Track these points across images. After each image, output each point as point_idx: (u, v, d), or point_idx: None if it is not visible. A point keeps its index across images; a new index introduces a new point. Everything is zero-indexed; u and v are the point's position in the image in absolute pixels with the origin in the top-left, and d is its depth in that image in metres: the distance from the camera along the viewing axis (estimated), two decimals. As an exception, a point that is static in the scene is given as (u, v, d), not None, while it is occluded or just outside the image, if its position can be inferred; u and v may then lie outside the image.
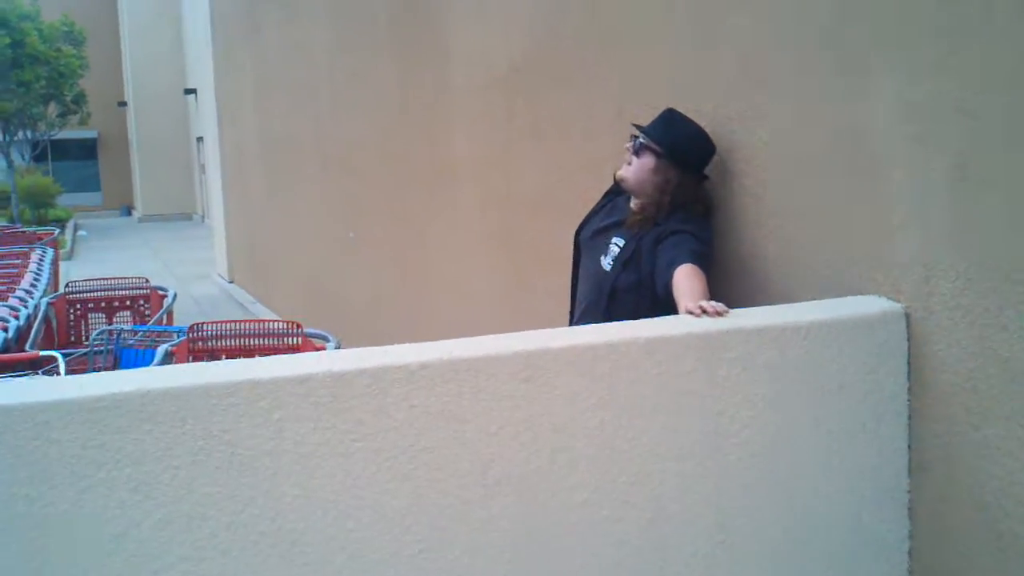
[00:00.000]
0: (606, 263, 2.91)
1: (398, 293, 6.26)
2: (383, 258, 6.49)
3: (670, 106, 2.95)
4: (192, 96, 24.04)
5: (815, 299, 2.48)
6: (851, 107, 2.43)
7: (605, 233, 3.00)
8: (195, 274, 14.95)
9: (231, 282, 12.86)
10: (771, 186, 2.74)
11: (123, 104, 30.63)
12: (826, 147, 2.52)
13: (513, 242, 4.52)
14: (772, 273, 2.74)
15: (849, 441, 2.28)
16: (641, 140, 2.89)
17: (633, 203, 2.93)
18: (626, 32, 3.45)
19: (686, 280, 2.53)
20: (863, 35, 2.38)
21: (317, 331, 3.96)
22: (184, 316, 11.16)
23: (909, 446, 2.33)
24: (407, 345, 2.05)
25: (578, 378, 2.08)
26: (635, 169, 2.89)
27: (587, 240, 3.11)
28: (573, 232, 3.29)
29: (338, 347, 3.74)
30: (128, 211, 32.39)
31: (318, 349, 3.78)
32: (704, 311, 2.25)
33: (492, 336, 2.15)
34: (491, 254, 4.79)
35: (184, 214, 29.14)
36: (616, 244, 2.91)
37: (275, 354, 4.06)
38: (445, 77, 5.10)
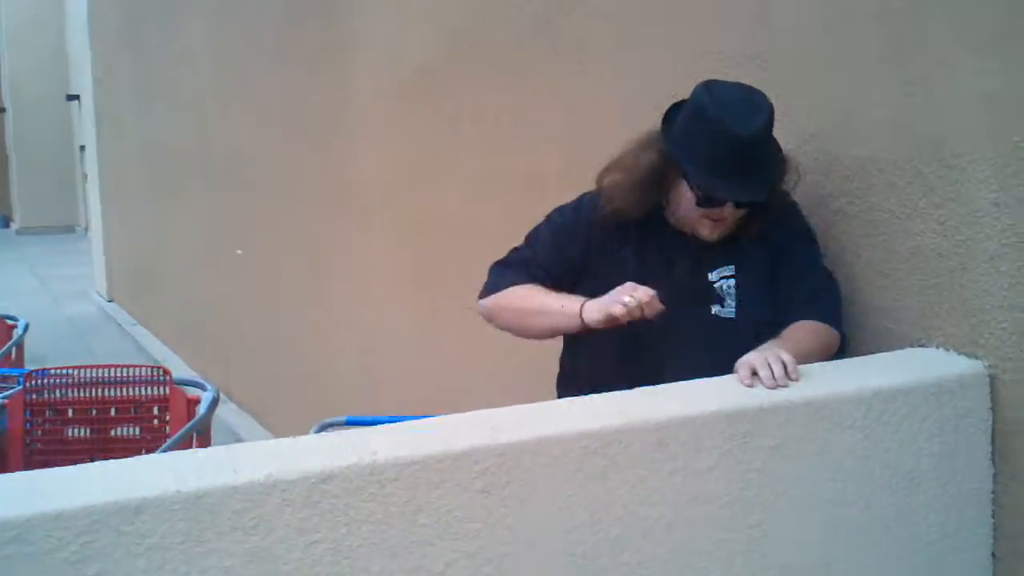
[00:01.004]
0: (725, 310, 1.96)
1: (293, 326, 5.50)
2: (276, 286, 5.72)
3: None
4: (76, 102, 22.69)
5: (862, 353, 1.86)
6: (919, 105, 1.83)
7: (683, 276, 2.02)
8: (73, 291, 13.81)
9: (110, 300, 11.84)
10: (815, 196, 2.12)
11: (1, 110, 28.89)
12: (887, 151, 1.91)
13: (430, 275, 3.83)
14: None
15: (926, 552, 1.66)
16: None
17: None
18: (579, 11, 2.81)
19: (793, 332, 1.84)
20: (940, 26, 1.79)
21: (190, 378, 3.21)
22: (56, 340, 10.18)
23: (994, 554, 1.72)
24: (302, 440, 1.37)
25: (561, 484, 1.42)
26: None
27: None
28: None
29: (215, 399, 3.01)
30: (6, 222, 30.56)
31: (190, 401, 3.04)
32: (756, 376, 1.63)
33: (432, 420, 1.48)
34: (402, 288, 4.09)
35: (66, 226, 27.54)
36: (726, 280, 1.98)
37: (136, 407, 3.38)
38: (346, 81, 4.39)
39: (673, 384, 1.63)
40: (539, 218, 2.97)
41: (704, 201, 1.89)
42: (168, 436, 2.99)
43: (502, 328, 2.12)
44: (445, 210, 3.65)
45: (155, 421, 3.08)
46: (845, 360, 1.80)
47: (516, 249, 2.17)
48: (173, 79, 7.69)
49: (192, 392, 3.09)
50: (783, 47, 2.11)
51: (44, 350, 9.69)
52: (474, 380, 3.61)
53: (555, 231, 2.15)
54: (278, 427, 5.90)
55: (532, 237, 2.18)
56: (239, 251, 6.37)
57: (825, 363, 1.76)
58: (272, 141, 5.53)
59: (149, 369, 3.17)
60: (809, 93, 2.06)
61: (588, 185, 2.13)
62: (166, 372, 3.13)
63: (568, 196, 2.64)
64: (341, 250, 4.66)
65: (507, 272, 2.12)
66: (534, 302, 2.02)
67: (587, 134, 2.81)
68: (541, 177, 3.02)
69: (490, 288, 2.11)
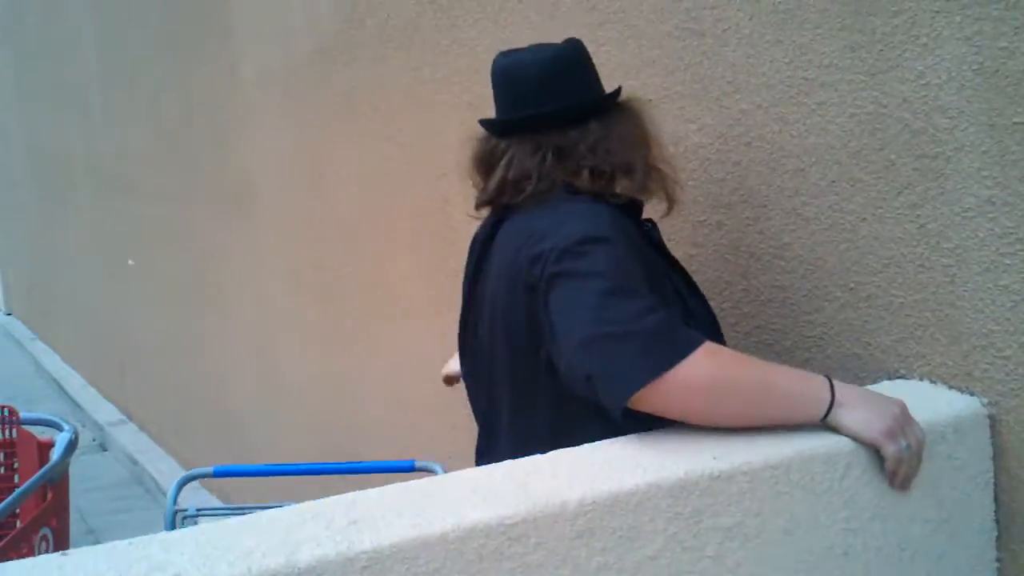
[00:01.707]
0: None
1: (191, 339, 5.04)
2: (170, 296, 5.25)
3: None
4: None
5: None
6: (889, 80, 1.49)
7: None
8: (-30, 305, 13.07)
9: (8, 314, 11.16)
10: (761, 191, 1.77)
11: None
12: (857, 138, 1.57)
13: (328, 281, 3.43)
14: (764, 334, 1.78)
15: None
16: None
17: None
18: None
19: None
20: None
21: (41, 416, 2.76)
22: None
23: (999, 638, 1.39)
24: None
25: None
26: None
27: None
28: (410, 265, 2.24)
29: (72, 441, 2.57)
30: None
31: (42, 445, 2.60)
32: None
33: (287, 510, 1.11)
34: (303, 296, 3.68)
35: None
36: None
37: None
38: (232, 67, 3.96)
39: (587, 447, 1.26)
40: (444, 216, 2.61)
41: None
42: (17, 486, 2.56)
43: (696, 414, 1.32)
44: (345, 207, 3.25)
45: (1, 469, 2.64)
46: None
47: (622, 293, 1.40)
48: (55, 74, 7.13)
49: (44, 435, 2.64)
50: (724, 10, 1.76)
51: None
52: (377, 397, 3.23)
53: (631, 255, 1.51)
54: (179, 449, 5.44)
55: (621, 273, 1.44)
56: (131, 261, 5.88)
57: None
58: (160, 138, 5.05)
59: (-10, 409, 2.71)
60: (753, 66, 1.71)
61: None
62: (12, 412, 2.67)
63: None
64: (238, 256, 4.22)
65: (672, 321, 1.37)
66: (767, 376, 1.34)
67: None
68: (449, 168, 2.65)
69: (682, 347, 1.30)
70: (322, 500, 1.11)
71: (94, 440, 6.52)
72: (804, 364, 1.66)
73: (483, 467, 1.17)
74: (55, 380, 7.86)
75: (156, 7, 4.79)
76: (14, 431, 2.62)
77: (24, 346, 9.47)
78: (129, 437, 6.07)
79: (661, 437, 1.28)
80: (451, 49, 2.59)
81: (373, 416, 3.27)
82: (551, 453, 1.22)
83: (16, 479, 2.63)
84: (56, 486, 2.49)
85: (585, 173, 1.60)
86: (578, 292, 1.39)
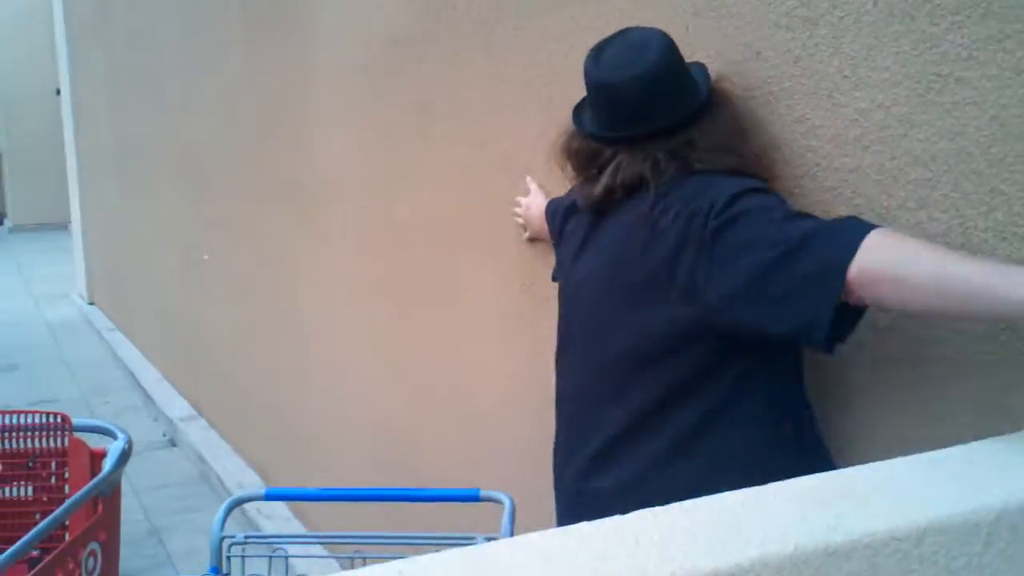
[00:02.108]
0: None
1: (261, 338, 4.94)
2: (244, 294, 5.17)
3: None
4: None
5: (945, 441, 1.29)
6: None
7: None
8: (56, 293, 13.31)
9: (91, 303, 11.30)
10: (880, 202, 1.55)
11: (-8, 107, 28.36)
12: (999, 144, 1.35)
13: (398, 287, 3.27)
14: (880, 368, 1.57)
15: None
16: None
17: None
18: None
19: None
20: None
21: (95, 423, 2.65)
22: (30, 346, 9.68)
23: None
24: None
25: None
26: None
27: None
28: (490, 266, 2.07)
29: (125, 451, 2.45)
30: (-1, 220, 30.08)
31: (94, 454, 2.49)
32: None
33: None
34: (370, 301, 3.53)
35: (59, 224, 26.97)
36: None
37: (24, 460, 2.83)
38: (308, 60, 3.83)
39: (682, 507, 1.06)
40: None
41: None
42: (67, 497, 2.45)
43: (886, 299, 1.34)
44: (418, 211, 3.09)
45: (52, 479, 2.53)
46: (912, 457, 1.22)
47: (800, 215, 1.50)
48: (140, 67, 7.13)
49: (97, 445, 2.53)
50: None
51: (16, 356, 9.20)
52: (444, 410, 3.06)
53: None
54: (245, 448, 5.36)
55: (791, 207, 1.54)
56: (206, 256, 5.82)
57: (883, 465, 1.18)
58: (238, 133, 4.97)
59: (44, 415, 2.60)
60: (875, 59, 1.49)
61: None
62: (65, 419, 2.56)
63: (565, 189, 2.11)
64: (309, 255, 4.10)
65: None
66: (957, 264, 1.27)
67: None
68: (528, 169, 2.48)
69: (858, 231, 1.36)
70: (367, 571, 0.94)
71: (164, 435, 6.49)
72: (924, 403, 1.44)
73: (556, 532, 0.99)
74: (130, 371, 7.89)
75: (235, 3, 4.71)
76: (66, 439, 2.51)
77: (103, 335, 9.55)
78: (198, 434, 6.02)
79: (769, 496, 1.07)
80: (531, 43, 2.40)
81: (439, 430, 3.10)
82: (636, 514, 1.02)
83: (67, 490, 2.52)
84: (107, 499, 2.38)
85: (695, 163, 1.64)
86: (759, 224, 1.47)
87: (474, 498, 1.89)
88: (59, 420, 2.54)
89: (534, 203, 2.41)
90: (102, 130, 9.38)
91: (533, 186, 2.46)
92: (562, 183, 2.01)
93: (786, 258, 1.40)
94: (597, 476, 1.67)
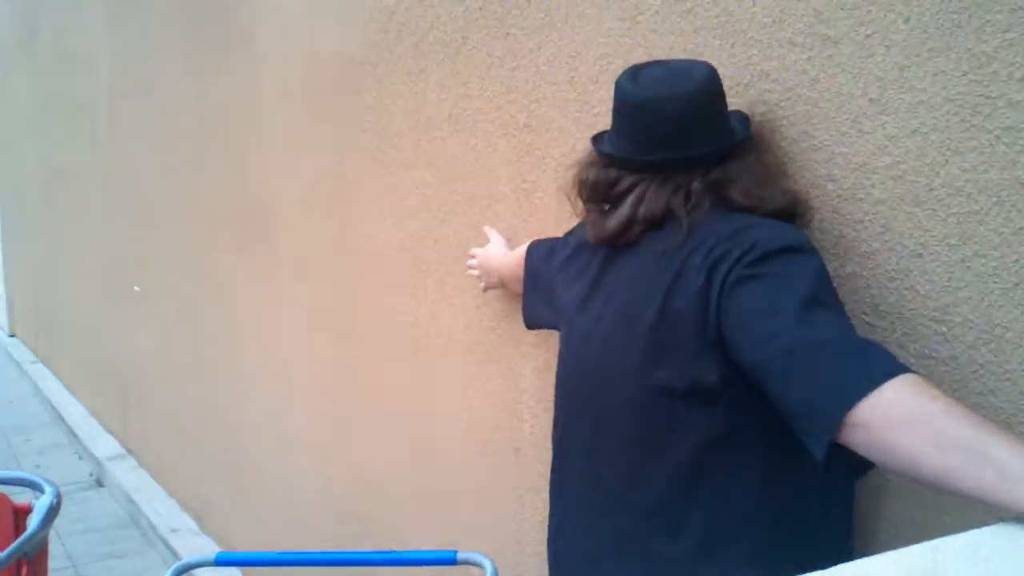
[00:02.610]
0: None
1: (197, 375, 4.69)
2: (178, 327, 4.90)
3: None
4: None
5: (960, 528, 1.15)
6: None
7: None
8: (-26, 325, 12.78)
9: (12, 335, 10.83)
10: (915, 237, 1.42)
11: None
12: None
13: (351, 320, 3.08)
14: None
15: None
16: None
17: None
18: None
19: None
20: None
21: (20, 475, 2.38)
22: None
23: None
24: None
25: None
26: None
27: None
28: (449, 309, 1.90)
29: (55, 501, 2.21)
30: (-86, 248, 28.95)
31: (18, 511, 2.24)
32: None
33: None
34: (317, 336, 3.32)
35: (-21, 252, 26.12)
36: None
37: None
38: (251, 80, 3.63)
39: None
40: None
41: None
42: (-13, 559, 2.19)
43: (879, 449, 1.15)
44: (373, 239, 2.90)
45: (-31, 538, 2.27)
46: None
47: (825, 305, 1.32)
48: (67, 92, 6.83)
49: (17, 499, 2.28)
50: (868, 11, 1.42)
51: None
52: (404, 457, 2.86)
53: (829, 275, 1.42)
54: (179, 491, 5.07)
55: (825, 286, 1.36)
56: (137, 287, 5.54)
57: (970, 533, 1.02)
58: (172, 157, 4.73)
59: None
60: (908, 80, 1.35)
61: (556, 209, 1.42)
62: (-29, 475, 2.30)
63: (534, 219, 1.95)
64: (252, 286, 3.88)
65: (876, 343, 1.29)
66: (969, 433, 1.08)
67: (549, 143, 2.10)
68: (496, 196, 2.31)
69: (887, 368, 1.18)
70: None
71: (91, 475, 6.16)
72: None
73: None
74: (54, 406, 7.51)
75: (175, 19, 4.48)
76: (-27, 495, 2.25)
77: (24, 368, 9.13)
78: (128, 474, 5.71)
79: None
80: (504, 62, 2.25)
81: (400, 480, 2.90)
82: None
83: (-14, 549, 2.26)
84: (31, 564, 2.13)
85: (737, 194, 1.48)
86: (779, 295, 1.30)
87: (451, 561, 1.71)
88: (-24, 473, 2.28)
89: (494, 251, 2.23)
90: (24, 157, 9.01)
91: (493, 235, 2.29)
92: (538, 223, 1.85)
93: (792, 357, 1.25)
94: (659, 540, 1.46)
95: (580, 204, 1.65)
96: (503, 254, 2.19)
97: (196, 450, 4.76)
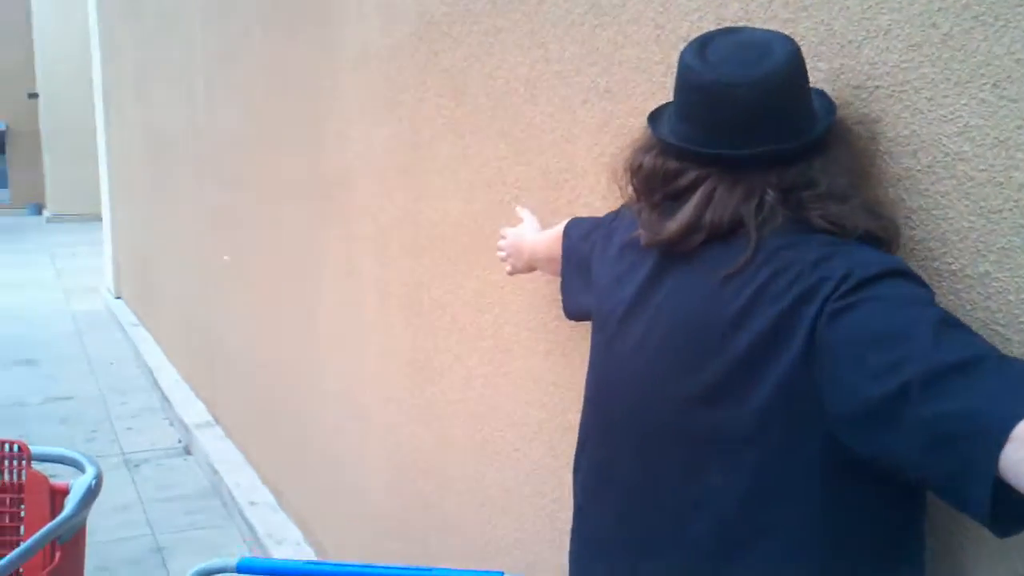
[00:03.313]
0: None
1: (278, 348, 4.58)
2: (262, 297, 4.81)
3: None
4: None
5: None
6: None
7: None
8: (86, 286, 13.16)
9: (118, 297, 11.05)
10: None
11: (34, 95, 28.37)
12: None
13: (422, 300, 2.89)
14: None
15: None
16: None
17: None
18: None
19: None
20: None
21: (62, 453, 2.26)
22: (52, 340, 9.42)
23: None
24: None
25: None
26: None
27: None
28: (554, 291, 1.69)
29: (95, 483, 2.08)
30: (38, 210, 30.11)
31: (55, 491, 2.12)
32: None
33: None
34: (389, 315, 3.15)
35: (95, 215, 27.02)
36: None
37: None
38: (331, 44, 3.46)
39: None
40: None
41: None
42: (23, 540, 2.09)
43: None
44: (447, 214, 2.70)
45: (6, 518, 2.16)
46: None
47: (957, 324, 1.11)
48: (167, 56, 6.82)
49: (57, 479, 2.15)
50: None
51: (38, 350, 8.94)
52: (467, 447, 2.67)
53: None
54: (262, 463, 5.00)
55: (953, 317, 1.13)
56: (226, 257, 5.47)
57: None
58: (254, 125, 4.62)
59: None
60: None
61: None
62: (23, 448, 2.18)
63: (615, 198, 1.72)
64: (331, 259, 3.73)
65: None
66: None
67: (631, 111, 1.85)
68: (578, 172, 2.08)
69: None
70: None
71: (180, 442, 6.16)
72: None
73: None
74: (150, 370, 7.59)
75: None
76: (23, 472, 2.13)
77: (127, 331, 9.28)
78: (214, 443, 5.68)
79: None
80: (586, 19, 2.01)
81: (465, 469, 2.71)
82: None
83: (22, 531, 2.15)
84: (66, 545, 2.01)
85: (816, 216, 1.25)
86: (902, 318, 1.09)
87: (498, 584, 1.50)
88: (16, 450, 2.17)
89: (527, 232, 2.02)
90: (131, 121, 9.11)
91: (526, 214, 2.08)
92: (619, 203, 1.61)
93: (939, 380, 1.01)
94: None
95: (630, 191, 1.42)
96: (534, 233, 1.99)
97: (275, 423, 4.67)
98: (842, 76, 1.37)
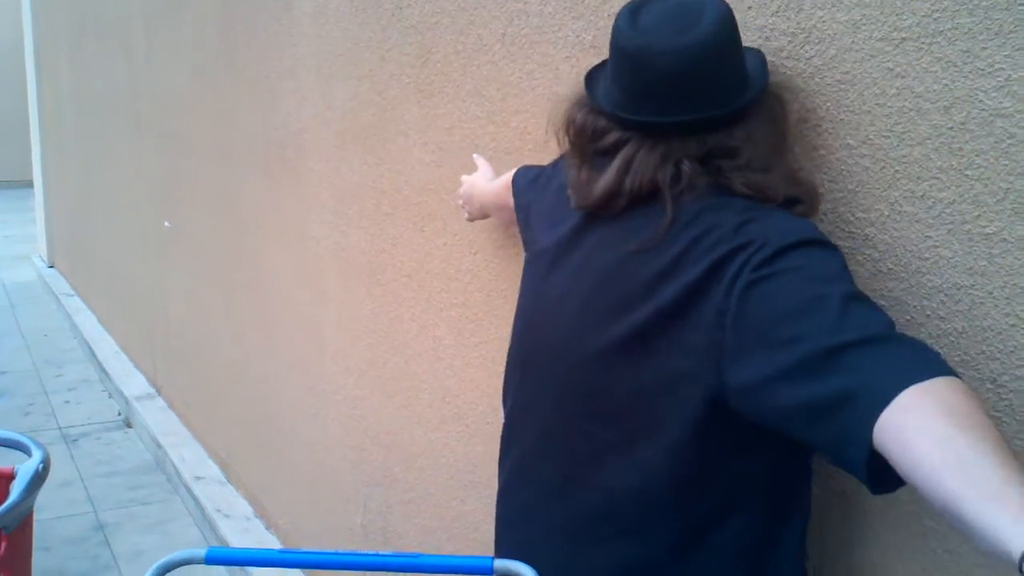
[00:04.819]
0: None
1: (225, 316, 4.42)
2: (207, 264, 4.64)
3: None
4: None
5: None
6: None
7: None
8: (17, 254, 12.72)
9: (51, 266, 10.71)
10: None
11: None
12: None
13: (386, 266, 2.77)
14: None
15: None
16: None
17: None
18: None
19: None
20: None
21: (6, 436, 2.11)
22: (-18, 311, 9.10)
23: None
24: None
25: None
26: None
27: None
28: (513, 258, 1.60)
29: (41, 470, 1.94)
30: (-36, 176, 29.18)
31: (0, 476, 1.98)
32: None
33: None
34: (350, 282, 3.03)
35: (27, 181, 26.23)
36: None
37: None
38: (286, 1, 3.30)
39: None
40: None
41: None
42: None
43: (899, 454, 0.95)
44: (412, 177, 2.58)
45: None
46: None
47: (865, 300, 1.12)
48: (102, 14, 6.54)
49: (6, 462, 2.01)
50: None
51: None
52: (432, 417, 2.57)
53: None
54: (208, 435, 4.85)
55: (845, 273, 1.16)
56: (167, 223, 5.28)
57: None
58: (201, 84, 4.43)
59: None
60: None
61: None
62: (-43, 436, 2.02)
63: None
64: (283, 225, 3.59)
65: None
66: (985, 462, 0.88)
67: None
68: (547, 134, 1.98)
69: (935, 366, 1.00)
70: None
71: (119, 415, 5.97)
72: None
73: None
74: (87, 341, 7.35)
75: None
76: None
77: (61, 302, 8.99)
78: (156, 415, 5.51)
79: None
80: (570, -29, 1.90)
81: (429, 442, 2.61)
82: None
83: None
84: (13, 534, 1.87)
85: (738, 183, 1.26)
86: (809, 294, 1.10)
87: (487, 570, 1.41)
88: (-45, 431, 2.01)
89: (479, 179, 2.05)
90: (64, 84, 8.78)
91: (481, 161, 2.10)
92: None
93: (836, 356, 1.04)
94: (595, 549, 1.34)
95: (566, 144, 1.44)
96: (488, 179, 2.02)
97: (223, 394, 4.52)
98: (863, 27, 1.28)
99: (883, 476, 1.00)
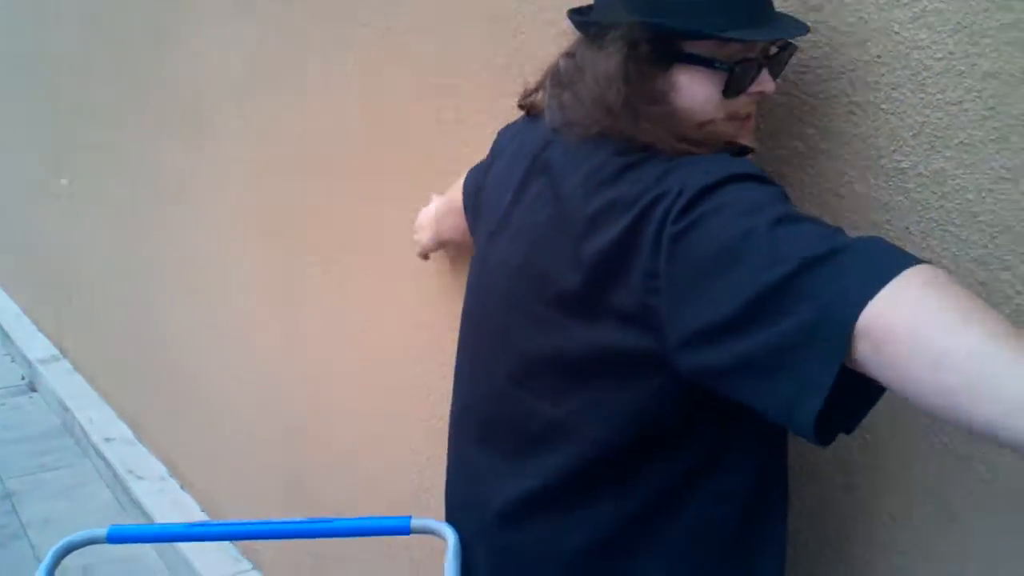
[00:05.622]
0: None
1: (132, 275, 4.28)
2: (111, 223, 4.47)
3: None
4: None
5: None
6: None
7: None
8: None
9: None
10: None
11: None
12: None
13: (297, 226, 2.69)
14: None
15: None
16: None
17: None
18: None
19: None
20: None
21: None
22: None
23: None
24: None
25: None
26: None
27: None
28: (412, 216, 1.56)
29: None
30: None
31: None
32: None
33: None
34: (260, 244, 2.94)
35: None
36: None
37: None
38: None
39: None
40: (458, 162, 1.91)
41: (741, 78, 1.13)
42: None
43: (893, 374, 0.86)
44: (324, 134, 2.50)
45: None
46: None
47: (794, 219, 0.99)
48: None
49: None
50: None
51: None
52: (350, 377, 2.52)
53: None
54: (114, 395, 4.72)
55: (784, 202, 1.03)
56: (64, 180, 5.08)
57: None
58: (92, 32, 4.24)
59: None
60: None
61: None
62: None
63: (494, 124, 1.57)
64: (187, 183, 3.47)
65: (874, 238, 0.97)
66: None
67: (540, 28, 1.71)
68: (461, 93, 1.92)
69: (898, 261, 0.90)
70: None
71: (23, 379, 5.78)
72: None
73: None
74: (-13, 304, 7.08)
75: None
76: None
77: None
78: (62, 378, 5.34)
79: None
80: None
81: (345, 402, 2.57)
82: None
83: None
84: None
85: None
86: (736, 232, 0.98)
87: (404, 530, 1.38)
88: None
89: (433, 207, 1.91)
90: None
91: (435, 196, 1.96)
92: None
93: (775, 297, 0.93)
94: (524, 527, 1.25)
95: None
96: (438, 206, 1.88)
97: (133, 354, 4.39)
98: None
99: (830, 427, 0.94)
